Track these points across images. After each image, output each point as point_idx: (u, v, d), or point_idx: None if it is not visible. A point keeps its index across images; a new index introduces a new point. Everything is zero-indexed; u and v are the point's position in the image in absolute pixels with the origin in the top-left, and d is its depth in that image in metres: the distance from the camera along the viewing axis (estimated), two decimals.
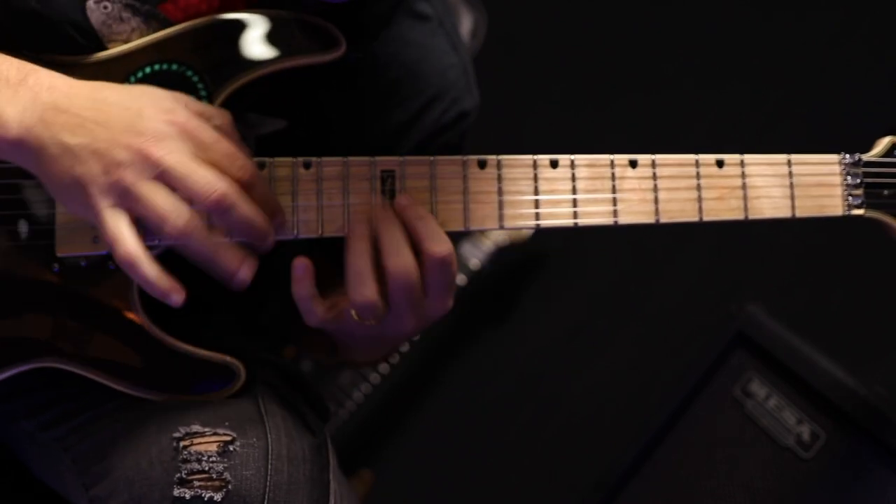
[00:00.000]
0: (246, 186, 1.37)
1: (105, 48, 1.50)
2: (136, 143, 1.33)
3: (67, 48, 1.48)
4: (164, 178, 1.34)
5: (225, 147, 1.37)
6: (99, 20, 1.49)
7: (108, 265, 1.46)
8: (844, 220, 1.49)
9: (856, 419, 1.97)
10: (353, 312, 1.44)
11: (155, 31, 1.50)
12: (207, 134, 1.37)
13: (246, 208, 1.36)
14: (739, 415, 2.10)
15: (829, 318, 2.57)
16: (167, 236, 1.35)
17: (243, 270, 1.38)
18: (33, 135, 1.35)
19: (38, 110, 1.36)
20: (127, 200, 1.34)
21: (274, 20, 1.48)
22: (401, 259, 1.39)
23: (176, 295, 1.37)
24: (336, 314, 1.45)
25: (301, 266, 1.41)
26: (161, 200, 1.34)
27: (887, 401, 1.96)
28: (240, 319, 1.73)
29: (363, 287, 1.40)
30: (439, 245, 1.40)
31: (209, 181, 1.34)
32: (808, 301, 2.59)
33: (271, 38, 1.47)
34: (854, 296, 2.61)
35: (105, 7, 1.49)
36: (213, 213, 1.36)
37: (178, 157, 1.34)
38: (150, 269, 1.35)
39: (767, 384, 2.08)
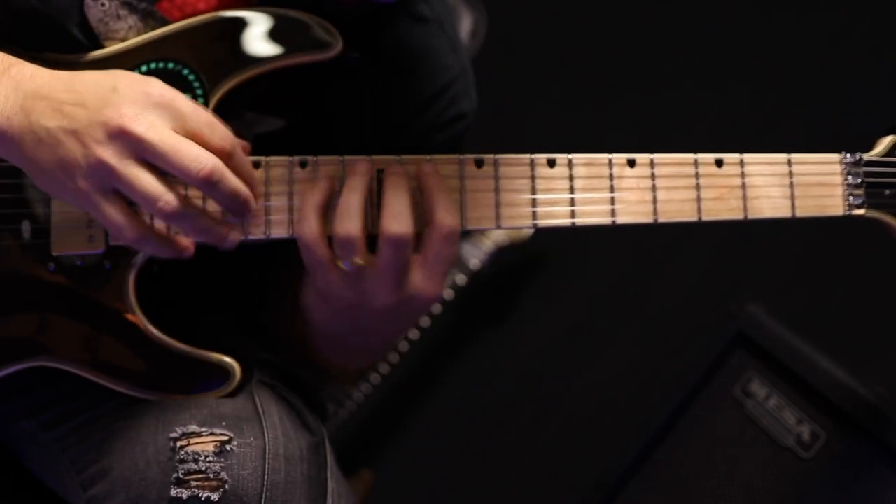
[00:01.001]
0: (226, 156, 1.36)
1: (102, 46, 1.49)
2: (114, 119, 1.32)
3: (66, 46, 1.48)
4: (148, 155, 1.32)
5: (204, 116, 1.36)
6: (96, 17, 1.49)
7: (105, 265, 1.46)
8: (843, 220, 1.49)
9: (856, 419, 1.96)
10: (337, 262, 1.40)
11: (151, 29, 1.50)
12: (184, 103, 1.35)
13: (232, 181, 1.36)
14: (739, 415, 2.10)
15: (829, 318, 2.57)
16: (157, 216, 1.35)
17: (233, 234, 1.39)
18: (13, 123, 1.35)
19: (20, 99, 1.35)
20: (112, 181, 1.33)
21: (271, 19, 1.48)
22: (402, 219, 1.37)
23: (186, 252, 1.40)
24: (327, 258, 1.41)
25: (325, 178, 1.40)
26: (147, 182, 1.33)
27: (887, 401, 1.96)
28: (238, 319, 1.73)
29: (349, 221, 1.38)
30: (452, 217, 1.39)
31: (196, 157, 1.33)
32: (808, 301, 2.59)
33: (268, 36, 1.47)
34: (854, 296, 2.60)
35: (102, 4, 1.49)
36: (200, 188, 1.35)
37: (159, 133, 1.32)
38: (158, 245, 1.38)
39: (767, 384, 2.08)
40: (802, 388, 2.04)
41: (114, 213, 1.35)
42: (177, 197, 1.34)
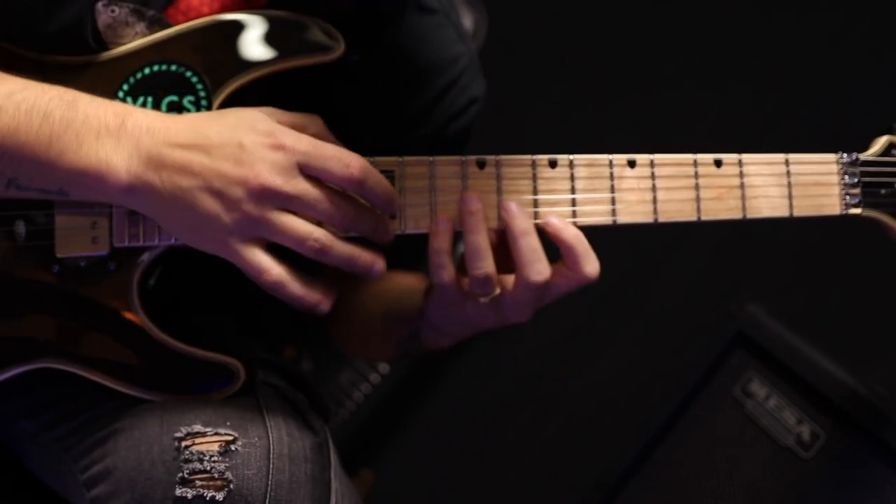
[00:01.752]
0: (360, 182, 1.40)
1: (107, 50, 1.50)
2: (251, 178, 1.36)
3: (73, 49, 1.49)
4: (289, 206, 1.37)
5: (329, 151, 1.40)
6: (105, 23, 1.49)
7: (108, 266, 1.46)
8: (842, 220, 1.49)
9: (856, 419, 1.97)
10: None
11: None
12: (307, 145, 1.39)
13: (368, 216, 1.41)
14: (739, 415, 2.10)
15: (829, 318, 2.57)
16: (307, 255, 1.39)
17: (378, 263, 1.43)
18: (144, 181, 1.38)
19: (143, 156, 1.38)
20: (258, 231, 1.38)
21: (273, 21, 1.48)
22: (540, 267, 1.42)
23: (324, 305, 1.42)
24: (461, 285, 1.45)
25: (443, 220, 1.43)
26: (293, 227, 1.38)
27: (887, 401, 1.96)
28: (240, 320, 1.73)
29: (482, 260, 1.42)
30: (594, 268, 1.47)
31: (335, 206, 1.38)
32: (807, 301, 2.59)
33: (270, 39, 1.47)
34: (854, 296, 2.61)
35: (112, 11, 1.49)
36: (341, 230, 1.40)
37: (294, 185, 1.37)
38: (297, 288, 1.40)
39: (767, 384, 2.08)
40: (802, 388, 2.05)
41: (259, 257, 1.39)
42: (322, 234, 1.39)
